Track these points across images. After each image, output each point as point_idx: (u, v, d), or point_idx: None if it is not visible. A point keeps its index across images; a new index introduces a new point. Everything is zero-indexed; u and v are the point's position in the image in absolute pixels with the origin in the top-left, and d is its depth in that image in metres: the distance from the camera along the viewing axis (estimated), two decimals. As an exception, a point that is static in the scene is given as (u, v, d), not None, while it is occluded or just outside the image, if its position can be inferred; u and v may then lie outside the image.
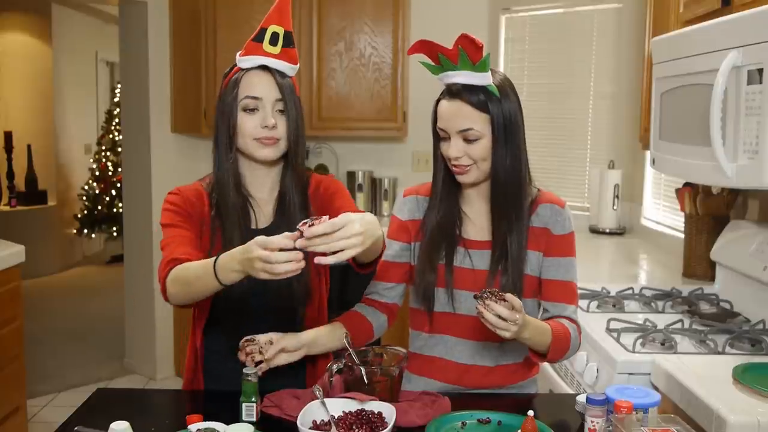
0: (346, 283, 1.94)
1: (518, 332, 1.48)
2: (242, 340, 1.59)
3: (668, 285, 2.52)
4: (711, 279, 2.56)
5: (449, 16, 4.13)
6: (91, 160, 7.35)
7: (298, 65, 1.70)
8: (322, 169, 4.30)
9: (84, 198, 7.17)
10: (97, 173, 7.20)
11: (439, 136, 1.67)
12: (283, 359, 1.59)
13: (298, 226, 1.33)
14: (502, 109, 1.60)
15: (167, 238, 1.61)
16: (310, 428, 1.40)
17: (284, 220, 1.69)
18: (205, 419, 1.43)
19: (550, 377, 2.37)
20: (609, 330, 2.05)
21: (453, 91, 1.61)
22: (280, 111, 1.65)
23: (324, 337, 1.65)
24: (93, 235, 7.27)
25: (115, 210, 7.05)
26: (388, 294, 1.78)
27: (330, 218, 1.33)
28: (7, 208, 6.59)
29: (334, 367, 1.56)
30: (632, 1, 3.50)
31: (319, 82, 4.00)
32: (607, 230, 3.59)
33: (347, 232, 1.31)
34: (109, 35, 7.15)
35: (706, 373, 1.69)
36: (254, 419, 1.49)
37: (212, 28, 3.92)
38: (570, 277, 1.71)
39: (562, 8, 3.89)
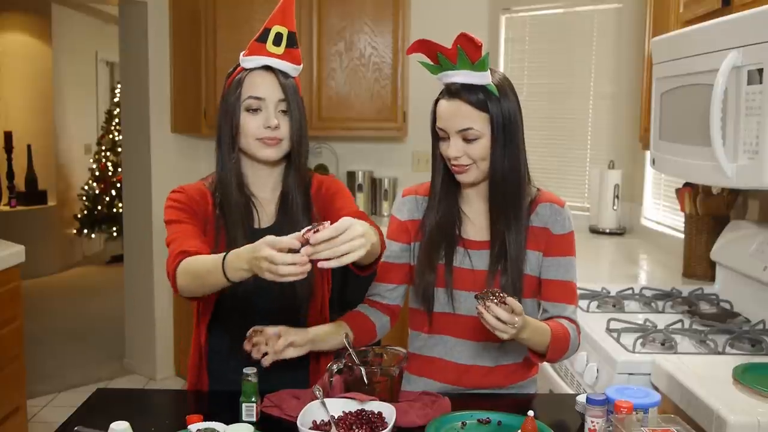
0: (346, 284, 1.94)
1: (516, 333, 1.48)
2: (251, 330, 1.59)
3: (668, 285, 2.52)
4: (711, 279, 2.56)
5: (449, 16, 4.13)
6: (91, 160, 7.35)
7: (302, 66, 1.71)
8: (322, 169, 4.30)
9: (84, 198, 7.16)
10: (97, 173, 7.20)
11: (438, 136, 1.67)
12: (290, 353, 1.59)
13: (302, 233, 1.32)
14: (501, 108, 1.60)
15: (173, 233, 1.60)
16: (310, 428, 1.40)
17: (287, 219, 1.69)
18: (205, 419, 1.43)
19: (550, 377, 2.37)
20: (609, 330, 2.05)
21: (452, 91, 1.61)
22: (283, 111, 1.65)
23: (329, 334, 1.66)
24: (93, 235, 7.27)
25: (115, 210, 7.05)
26: (389, 295, 1.78)
27: (331, 223, 1.33)
28: (7, 208, 6.59)
29: (334, 367, 1.56)
30: (632, 1, 3.50)
31: (319, 82, 4.00)
32: (607, 230, 3.59)
33: (350, 235, 1.31)
34: (109, 35, 7.14)
35: (706, 374, 1.69)
36: (254, 419, 1.49)
37: (212, 28, 3.92)
38: (570, 277, 1.71)
39: (562, 8, 3.89)
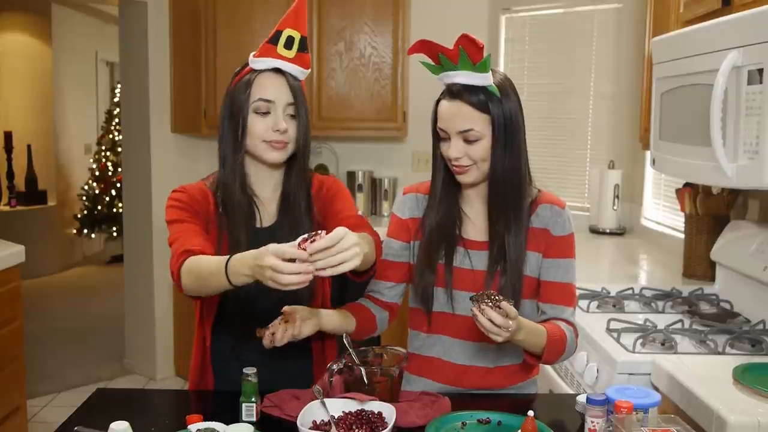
0: (345, 290, 1.96)
1: (510, 336, 1.48)
2: (260, 329, 1.59)
3: (668, 285, 2.52)
4: (711, 279, 2.56)
5: (449, 16, 4.13)
6: (91, 160, 7.35)
7: (309, 70, 1.70)
8: (322, 169, 4.30)
9: (84, 198, 7.17)
10: (97, 173, 7.20)
11: (438, 136, 1.67)
12: (309, 327, 1.57)
13: (298, 242, 1.33)
14: (502, 109, 1.60)
15: (176, 233, 1.59)
16: (310, 428, 1.40)
17: (288, 218, 1.70)
18: (205, 419, 1.43)
19: (550, 377, 2.37)
20: (609, 330, 2.05)
21: (453, 92, 1.61)
22: (291, 115, 1.65)
23: (334, 315, 1.67)
24: (93, 235, 7.27)
25: (115, 210, 7.05)
26: (388, 293, 1.79)
27: (326, 232, 1.33)
28: (7, 208, 6.59)
29: (335, 367, 1.56)
30: (632, 1, 3.50)
31: (319, 82, 4.00)
32: (607, 230, 3.59)
33: (345, 244, 1.31)
34: (109, 35, 7.15)
35: (707, 374, 1.69)
36: (254, 419, 1.49)
37: (212, 28, 3.92)
38: (569, 279, 1.71)
39: (562, 8, 3.89)
